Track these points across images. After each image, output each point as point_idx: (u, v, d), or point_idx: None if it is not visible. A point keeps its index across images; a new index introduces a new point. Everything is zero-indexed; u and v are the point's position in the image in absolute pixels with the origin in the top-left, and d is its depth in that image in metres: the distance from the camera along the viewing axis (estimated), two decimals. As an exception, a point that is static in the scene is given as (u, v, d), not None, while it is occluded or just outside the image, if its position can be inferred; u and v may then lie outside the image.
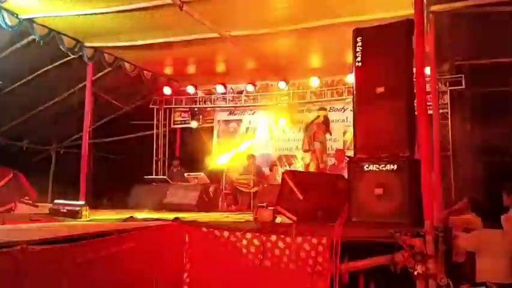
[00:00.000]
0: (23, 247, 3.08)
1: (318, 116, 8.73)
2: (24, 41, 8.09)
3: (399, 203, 4.35)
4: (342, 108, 10.47)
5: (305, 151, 8.60)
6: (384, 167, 4.45)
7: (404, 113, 4.51)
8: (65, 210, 5.57)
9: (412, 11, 4.61)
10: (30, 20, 7.37)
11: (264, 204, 5.04)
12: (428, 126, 4.31)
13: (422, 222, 4.19)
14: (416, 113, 4.45)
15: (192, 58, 9.44)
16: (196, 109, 11.78)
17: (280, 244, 4.57)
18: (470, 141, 9.21)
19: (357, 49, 4.70)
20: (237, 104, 11.46)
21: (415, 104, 4.52)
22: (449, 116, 9.39)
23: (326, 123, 8.62)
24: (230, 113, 11.71)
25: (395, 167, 4.41)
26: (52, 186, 12.04)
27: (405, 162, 4.40)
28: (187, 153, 11.93)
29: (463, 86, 9.29)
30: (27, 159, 11.98)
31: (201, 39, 8.03)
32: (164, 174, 11.35)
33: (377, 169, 4.49)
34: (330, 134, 9.20)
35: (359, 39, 4.71)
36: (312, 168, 8.16)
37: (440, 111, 9.24)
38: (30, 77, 9.24)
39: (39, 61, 8.96)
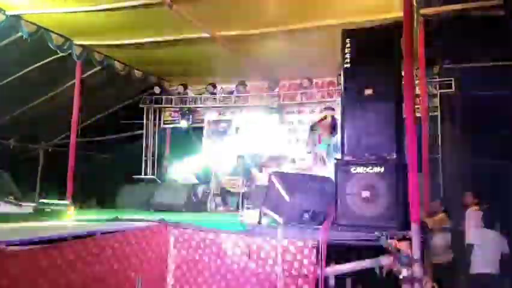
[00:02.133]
0: (2, 248, 3.02)
1: (326, 117, 8.52)
2: (12, 38, 7.98)
3: (385, 206, 4.33)
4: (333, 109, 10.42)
5: (308, 152, 8.48)
6: (372, 169, 4.43)
7: (392, 116, 4.49)
8: (49, 210, 5.49)
9: (402, 14, 4.62)
10: (18, 17, 7.26)
11: (250, 206, 5.00)
12: (415, 129, 4.29)
13: (408, 225, 4.18)
14: (404, 115, 4.43)
15: (182, 58, 9.36)
16: (186, 109, 11.70)
17: (266, 246, 4.55)
18: (460, 144, 9.24)
19: (346, 51, 4.67)
20: (227, 104, 11.42)
21: (403, 107, 4.51)
22: (439, 119, 9.38)
23: (333, 125, 8.36)
24: (220, 113, 11.65)
25: (382, 169, 4.39)
26: (40, 185, 11.91)
27: (392, 165, 4.38)
28: (177, 152, 11.85)
29: (453, 89, 9.31)
30: (14, 158, 11.83)
31: (191, 39, 7.99)
32: (153, 174, 11.28)
33: (364, 171, 4.47)
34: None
35: (348, 40, 4.69)
36: (314, 171, 8.01)
37: (430, 114, 9.27)
38: (18, 74, 9.12)
39: (28, 58, 8.83)
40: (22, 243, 3.24)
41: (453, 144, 9.35)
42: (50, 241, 3.58)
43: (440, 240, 6.29)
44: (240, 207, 8.75)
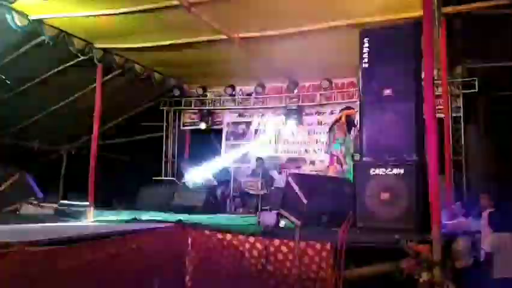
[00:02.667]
0: (21, 248, 3.05)
1: (341, 117, 8.44)
2: (35, 42, 8.13)
3: (405, 209, 4.25)
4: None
5: (326, 153, 8.41)
6: (391, 171, 4.35)
7: (412, 116, 4.41)
8: (70, 211, 5.56)
9: (421, 13, 4.53)
10: (40, 21, 7.40)
11: (268, 208, 4.97)
12: (436, 130, 4.20)
13: (428, 228, 4.09)
14: (424, 116, 4.34)
15: (201, 60, 9.40)
16: (205, 111, 11.74)
17: (284, 248, 4.51)
18: (483, 145, 9.04)
19: (364, 50, 4.61)
20: (246, 106, 11.41)
21: (424, 107, 4.41)
22: (461, 120, 9.19)
23: (350, 124, 8.20)
24: (239, 115, 11.66)
25: (402, 171, 4.31)
26: (63, 186, 12.11)
27: (412, 167, 4.29)
28: (196, 154, 11.91)
29: (476, 90, 9.10)
30: (38, 160, 12.06)
31: (209, 41, 8.01)
32: (173, 176, 11.34)
33: (384, 173, 4.39)
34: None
35: (365, 40, 4.63)
36: (331, 172, 7.95)
37: (453, 115, 9.10)
38: (41, 77, 9.30)
39: (50, 62, 9.00)
40: (41, 243, 3.27)
41: (477, 146, 9.15)
42: (69, 242, 3.60)
43: (461, 243, 6.14)
44: (258, 209, 8.76)
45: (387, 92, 4.47)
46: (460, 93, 9.25)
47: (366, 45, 4.61)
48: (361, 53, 4.65)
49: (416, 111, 4.41)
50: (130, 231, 4.31)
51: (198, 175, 9.75)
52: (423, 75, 4.46)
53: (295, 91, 10.86)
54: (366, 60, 4.61)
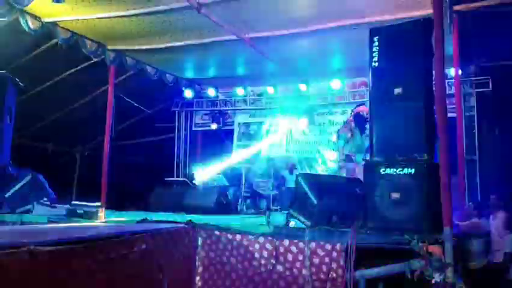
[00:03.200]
0: (31, 248, 3.07)
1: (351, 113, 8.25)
2: (48, 44, 8.24)
3: (416, 209, 4.19)
4: (365, 110, 10.26)
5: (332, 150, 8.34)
6: (402, 170, 4.30)
7: (423, 115, 4.34)
8: (81, 211, 5.61)
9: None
10: (53, 24, 7.48)
11: (278, 208, 4.95)
12: (447, 129, 4.14)
13: (440, 228, 4.03)
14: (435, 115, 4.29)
15: (212, 61, 9.43)
16: (216, 112, 11.77)
17: (294, 249, 4.49)
18: (498, 144, 8.90)
19: (374, 49, 4.57)
20: (257, 106, 11.41)
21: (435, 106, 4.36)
22: (475, 119, 9.06)
23: (360, 122, 7.77)
24: (250, 116, 11.66)
25: (413, 170, 4.25)
26: (77, 187, 12.24)
27: (423, 166, 4.23)
28: (207, 155, 11.94)
29: (490, 88, 8.97)
30: (52, 161, 12.21)
31: (220, 42, 8.03)
32: (184, 177, 11.39)
33: (394, 173, 4.34)
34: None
35: (375, 39, 4.58)
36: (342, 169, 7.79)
37: (467, 114, 8.99)
38: (55, 79, 9.41)
39: (63, 64, 9.11)
40: (51, 243, 3.29)
41: (490, 145, 9.02)
42: (79, 242, 3.62)
43: (475, 244, 6.06)
44: (270, 209, 8.74)
45: (398, 91, 4.41)
46: (474, 92, 9.13)
47: (376, 43, 4.57)
48: (371, 51, 4.61)
49: (426, 110, 4.34)
50: (140, 232, 4.32)
51: (209, 176, 9.77)
52: (434, 74, 4.42)
53: (307, 91, 10.81)
54: (376, 59, 4.56)
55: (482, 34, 8.26)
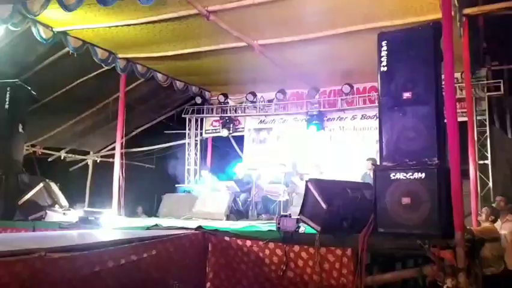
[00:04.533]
0: (41, 255, 3.10)
1: None
2: (60, 53, 8.35)
3: (427, 213, 4.14)
4: (375, 115, 10.21)
5: None
6: (412, 175, 4.26)
7: (433, 120, 4.30)
8: (92, 218, 5.65)
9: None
10: (65, 33, 7.60)
11: (288, 214, 4.94)
12: (457, 133, 4.11)
13: (451, 233, 4.00)
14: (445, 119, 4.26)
15: (222, 67, 9.47)
16: (227, 118, 11.80)
17: (304, 255, 4.47)
18: (510, 148, 8.80)
19: (382, 53, 4.55)
20: (267, 112, 11.41)
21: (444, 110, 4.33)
22: (487, 123, 8.96)
23: None
24: (261, 122, 11.67)
25: (423, 175, 4.21)
26: (89, 194, 12.35)
27: (433, 171, 4.19)
28: (218, 161, 11.98)
29: (502, 92, 8.88)
30: (65, 169, 12.36)
31: (229, 49, 8.08)
32: (195, 183, 11.41)
33: (405, 177, 4.30)
34: None
35: (383, 43, 4.56)
36: None
37: (478, 118, 8.90)
38: (67, 87, 9.53)
39: (75, 73, 9.22)
40: (62, 250, 3.32)
41: (503, 149, 8.92)
42: (90, 248, 3.65)
43: (490, 249, 5.97)
44: (280, 215, 8.70)
45: (407, 95, 4.39)
46: (485, 95, 9.03)
47: (385, 48, 4.55)
48: (379, 56, 4.59)
49: (436, 114, 4.30)
50: (151, 238, 4.34)
51: (220, 182, 9.78)
52: (443, 78, 4.39)
53: (317, 96, 10.81)
54: (384, 63, 4.55)
55: (493, 37, 8.21)
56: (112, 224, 5.77)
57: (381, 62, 4.57)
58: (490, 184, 8.54)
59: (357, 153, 10.02)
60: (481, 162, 8.51)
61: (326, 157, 10.54)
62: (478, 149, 8.51)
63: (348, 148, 10.48)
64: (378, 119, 4.69)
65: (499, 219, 6.25)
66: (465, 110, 7.69)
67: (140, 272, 4.01)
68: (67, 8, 5.97)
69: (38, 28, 7.19)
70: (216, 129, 12.18)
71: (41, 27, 7.23)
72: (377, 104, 9.74)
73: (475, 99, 8.61)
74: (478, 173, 7.23)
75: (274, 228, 5.08)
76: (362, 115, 10.26)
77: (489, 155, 8.76)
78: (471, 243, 4.23)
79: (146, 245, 4.16)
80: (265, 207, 9.80)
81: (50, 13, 6.65)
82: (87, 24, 7.31)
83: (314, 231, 4.62)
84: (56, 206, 6.25)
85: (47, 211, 6.05)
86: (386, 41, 4.56)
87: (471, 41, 6.78)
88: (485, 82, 9.03)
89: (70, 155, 12.42)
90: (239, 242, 4.78)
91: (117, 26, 7.31)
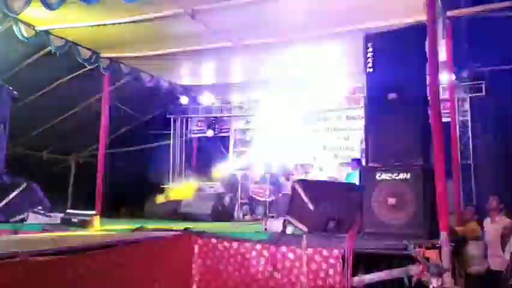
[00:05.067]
0: (23, 258, 3.03)
1: None
2: (42, 53, 8.21)
3: (413, 214, 4.19)
4: (360, 116, 10.29)
5: None
6: (398, 175, 4.30)
7: (418, 120, 4.36)
8: (76, 220, 5.56)
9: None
10: (47, 32, 7.46)
11: (274, 214, 4.93)
12: (442, 134, 4.15)
13: (436, 233, 4.03)
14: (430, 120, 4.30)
15: (207, 67, 9.43)
16: (212, 118, 11.76)
17: (291, 256, 4.46)
18: (492, 149, 8.94)
19: (368, 55, 4.58)
20: (253, 113, 11.41)
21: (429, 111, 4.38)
22: (469, 124, 9.10)
23: None
24: (246, 122, 11.65)
25: (409, 176, 4.25)
26: (72, 195, 12.18)
27: (419, 171, 4.24)
28: (203, 162, 11.92)
29: (483, 93, 9.03)
30: (47, 169, 12.15)
31: (215, 49, 8.02)
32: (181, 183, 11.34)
33: (390, 178, 4.34)
34: None
35: (369, 44, 4.59)
36: None
37: (461, 118, 9.03)
38: (49, 87, 9.38)
39: (57, 72, 9.08)
40: (47, 253, 3.25)
41: (485, 150, 9.06)
42: (75, 251, 3.59)
43: (474, 249, 6.05)
44: (266, 216, 8.71)
45: (392, 96, 4.43)
46: (467, 96, 9.17)
47: (370, 49, 4.58)
48: (365, 57, 4.62)
49: (421, 115, 4.36)
50: (136, 240, 4.29)
51: (206, 182, 9.75)
52: (428, 79, 4.44)
53: (303, 97, 10.83)
54: (370, 64, 4.58)
55: (476, 39, 8.33)
56: (95, 226, 5.68)
57: (367, 63, 4.59)
58: (473, 184, 8.67)
59: (342, 154, 10.09)
60: (463, 162, 8.63)
61: (311, 157, 10.57)
62: (460, 149, 8.62)
63: (332, 148, 10.54)
64: (364, 120, 4.71)
65: (488, 218, 6.33)
66: (448, 111, 7.78)
67: (125, 274, 3.95)
68: (49, 6, 5.86)
69: (19, 27, 7.04)
70: (201, 130, 12.13)
71: (23, 25, 7.08)
72: (361, 105, 9.97)
73: (457, 100, 8.73)
74: (460, 172, 7.32)
75: (260, 229, 5.08)
76: (347, 116, 10.32)
77: (471, 155, 8.89)
78: (454, 242, 4.27)
79: (131, 247, 4.12)
80: (251, 208, 9.80)
81: (32, 11, 6.52)
82: (70, 23, 7.19)
83: (301, 232, 4.63)
84: (39, 207, 6.14)
85: (29, 213, 5.94)
86: (371, 43, 4.60)
87: (454, 43, 6.87)
88: (467, 83, 9.17)
89: (51, 156, 12.23)
90: (226, 243, 4.75)
91: (101, 25, 7.18)
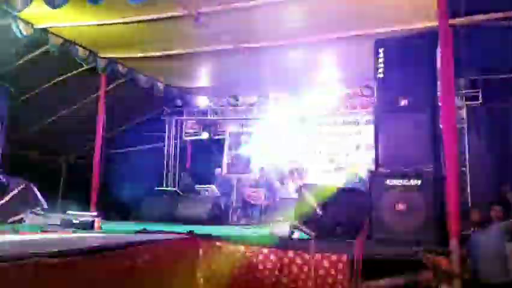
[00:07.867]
0: (36, 260, 2.96)
1: None
2: (40, 51, 8.06)
3: (423, 220, 4.20)
4: (356, 121, 10.33)
5: None
6: (408, 181, 4.30)
7: (429, 126, 4.38)
8: (77, 222, 5.46)
9: (433, 23, 4.53)
10: (45, 30, 7.34)
11: (281, 219, 4.89)
12: (455, 140, 4.17)
13: (446, 240, 4.04)
14: (441, 126, 4.31)
15: (204, 70, 9.38)
16: (207, 121, 11.69)
17: (298, 260, 4.43)
18: (487, 156, 9.01)
19: (379, 60, 4.58)
20: (248, 116, 11.35)
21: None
22: (465, 131, 9.19)
23: None
24: (241, 125, 11.59)
25: (419, 182, 4.26)
26: (62, 196, 11.96)
27: (429, 177, 4.25)
28: (198, 165, 11.82)
29: (479, 101, 9.12)
30: (38, 170, 11.92)
31: (213, 51, 7.98)
32: (174, 186, 11.23)
33: (400, 184, 4.34)
34: None
35: (380, 50, 4.60)
36: None
37: (457, 126, 9.09)
38: (45, 86, 9.21)
39: (54, 71, 8.92)
40: (57, 255, 3.17)
41: (480, 157, 9.13)
42: (82, 253, 3.51)
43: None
44: (262, 220, 8.67)
45: (403, 102, 4.43)
46: (464, 104, 9.26)
47: (381, 55, 4.59)
48: (376, 63, 4.62)
49: (432, 121, 4.37)
50: (143, 242, 4.22)
51: (201, 185, 9.68)
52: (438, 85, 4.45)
53: (299, 101, 10.82)
54: (381, 70, 4.58)
55: (472, 48, 8.40)
56: (97, 227, 5.58)
57: (377, 68, 4.59)
58: (468, 191, 8.73)
59: (337, 159, 10.12)
60: (459, 169, 8.68)
61: (306, 162, 10.56)
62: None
63: (328, 153, 10.54)
64: (374, 126, 4.71)
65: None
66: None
67: (133, 276, 3.89)
68: (53, 4, 5.76)
69: (18, 24, 6.91)
70: (196, 132, 12.04)
71: (22, 23, 6.95)
72: (357, 110, 10.01)
73: (454, 108, 8.79)
74: (459, 179, 7.35)
75: (265, 233, 5.03)
76: (343, 120, 10.34)
77: (467, 163, 8.97)
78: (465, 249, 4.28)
79: (139, 249, 4.05)
80: (245, 211, 9.75)
81: (32, 9, 6.40)
82: (69, 22, 7.08)
83: (308, 237, 4.58)
84: (38, 208, 6.01)
85: (28, 214, 5.82)
86: (382, 48, 4.60)
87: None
88: (464, 91, 9.25)
89: (43, 156, 12.00)
90: (231, 247, 4.69)
91: (100, 24, 7.10)
